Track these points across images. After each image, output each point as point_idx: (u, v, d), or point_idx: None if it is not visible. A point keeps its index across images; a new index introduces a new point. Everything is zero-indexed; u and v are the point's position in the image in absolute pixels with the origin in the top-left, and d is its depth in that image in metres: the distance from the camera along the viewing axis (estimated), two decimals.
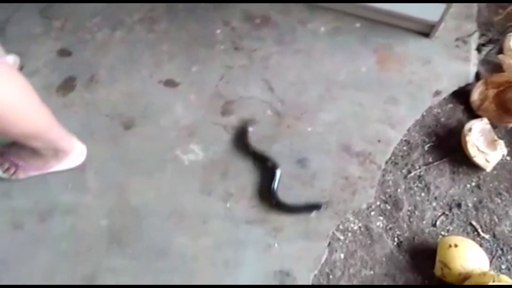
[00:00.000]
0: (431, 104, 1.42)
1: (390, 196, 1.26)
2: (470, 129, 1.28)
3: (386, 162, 1.31)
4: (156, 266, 1.15)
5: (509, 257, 1.17)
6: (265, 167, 1.28)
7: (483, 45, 1.55)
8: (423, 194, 1.26)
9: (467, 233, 1.20)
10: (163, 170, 1.30)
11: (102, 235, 1.19)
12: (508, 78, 1.37)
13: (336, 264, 1.16)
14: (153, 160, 1.31)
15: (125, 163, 1.31)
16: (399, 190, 1.27)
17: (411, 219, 1.22)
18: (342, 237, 1.19)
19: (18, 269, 1.14)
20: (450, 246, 1.09)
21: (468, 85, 1.45)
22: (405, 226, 1.21)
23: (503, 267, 1.15)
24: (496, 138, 1.30)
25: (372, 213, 1.23)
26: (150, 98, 1.44)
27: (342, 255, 1.17)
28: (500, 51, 1.50)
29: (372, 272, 1.15)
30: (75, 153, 1.26)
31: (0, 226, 1.21)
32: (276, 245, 1.18)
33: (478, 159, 1.26)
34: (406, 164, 1.31)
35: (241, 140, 1.33)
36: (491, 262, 1.14)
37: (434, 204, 1.24)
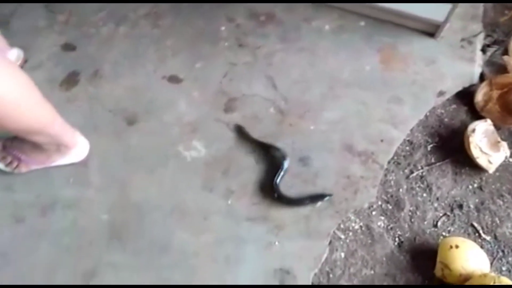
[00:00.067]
0: (434, 105, 1.41)
1: (391, 196, 1.26)
2: (473, 130, 1.28)
3: (389, 162, 1.31)
4: (157, 262, 1.15)
5: (510, 259, 1.16)
6: (272, 158, 1.28)
7: (488, 46, 1.54)
8: (425, 195, 1.26)
9: (468, 234, 1.20)
10: (166, 166, 1.30)
11: (103, 230, 1.19)
12: None
13: (336, 263, 1.16)
14: (156, 156, 1.31)
15: (127, 159, 1.31)
16: (401, 190, 1.26)
17: (412, 220, 1.22)
18: (343, 236, 1.19)
19: (19, 263, 1.15)
20: (451, 247, 1.09)
21: (472, 86, 1.44)
22: (406, 226, 1.21)
23: (503, 269, 1.15)
24: (499, 139, 1.29)
25: (374, 212, 1.23)
26: (153, 94, 1.44)
27: (342, 254, 1.17)
28: (505, 52, 1.50)
29: (372, 272, 1.15)
30: (78, 147, 1.26)
31: (2, 220, 1.21)
32: (277, 243, 1.18)
33: (481, 160, 1.25)
34: (409, 164, 1.31)
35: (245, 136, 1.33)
36: (492, 263, 1.14)
37: (435, 204, 1.24)
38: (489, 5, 1.66)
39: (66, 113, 1.18)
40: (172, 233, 1.19)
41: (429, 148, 1.34)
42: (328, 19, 1.62)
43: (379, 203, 1.24)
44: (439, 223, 1.21)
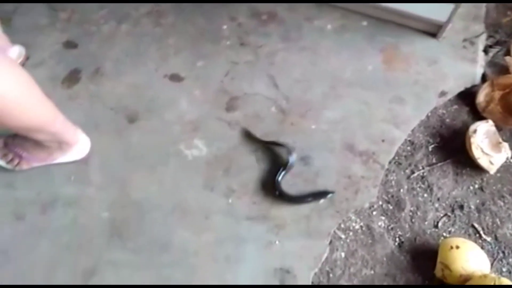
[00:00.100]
0: (436, 105, 1.41)
1: (392, 196, 1.25)
2: (475, 131, 1.27)
3: (390, 162, 1.31)
4: (158, 261, 1.15)
5: (510, 260, 1.16)
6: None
7: (490, 46, 1.54)
8: (425, 195, 1.26)
9: (469, 235, 1.20)
10: (167, 165, 1.30)
11: (103, 228, 1.19)
12: None
13: (336, 263, 1.16)
14: (157, 154, 1.31)
15: (128, 157, 1.31)
16: (401, 190, 1.26)
17: (413, 220, 1.22)
18: (343, 236, 1.19)
19: (20, 260, 1.15)
20: (451, 247, 1.09)
21: (474, 86, 1.44)
22: (407, 226, 1.21)
23: (504, 270, 1.15)
24: (500, 140, 1.29)
25: (374, 212, 1.23)
26: (155, 92, 1.44)
27: (343, 254, 1.17)
28: (507, 53, 1.49)
29: (372, 272, 1.15)
30: (79, 145, 1.26)
31: (2, 217, 1.21)
32: (277, 242, 1.18)
33: (482, 161, 1.25)
34: (410, 165, 1.31)
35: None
36: (492, 264, 1.14)
37: (436, 205, 1.24)
38: (492, 5, 1.65)
39: (67, 110, 1.18)
40: (172, 231, 1.19)
41: (430, 148, 1.34)
42: (330, 18, 1.61)
43: (380, 203, 1.24)
44: (439, 224, 1.21)
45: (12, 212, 1.22)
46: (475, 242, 1.15)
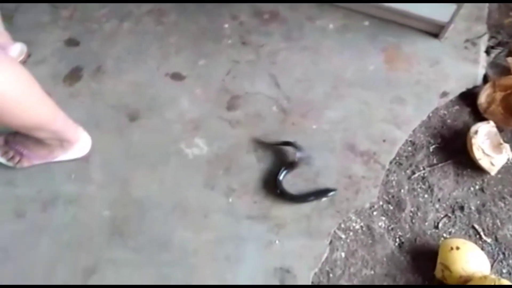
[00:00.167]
0: (437, 105, 1.41)
1: (393, 196, 1.25)
2: (476, 132, 1.27)
3: (391, 162, 1.30)
4: (158, 259, 1.15)
5: (510, 261, 1.16)
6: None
7: (492, 47, 1.54)
8: (426, 196, 1.26)
9: (469, 236, 1.20)
10: (167, 163, 1.30)
11: (104, 226, 1.20)
12: None
13: (336, 263, 1.16)
14: (158, 153, 1.32)
15: (129, 155, 1.31)
16: (402, 190, 1.26)
17: (413, 220, 1.22)
18: (343, 236, 1.19)
19: (20, 258, 1.15)
20: (451, 248, 1.09)
21: (475, 87, 1.44)
22: (407, 227, 1.21)
23: (504, 271, 1.15)
24: (502, 141, 1.29)
25: (375, 213, 1.23)
26: (156, 91, 1.44)
27: (343, 254, 1.17)
28: (509, 54, 1.49)
29: (372, 272, 1.15)
30: (81, 143, 1.26)
31: (3, 215, 1.21)
32: (277, 241, 1.18)
33: (483, 162, 1.25)
34: (411, 165, 1.31)
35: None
36: (492, 266, 1.14)
37: (437, 206, 1.24)
38: (494, 6, 1.65)
39: (68, 108, 1.18)
40: (173, 230, 1.19)
41: (431, 149, 1.34)
42: (332, 18, 1.61)
43: (380, 203, 1.24)
44: (440, 224, 1.21)
45: (12, 210, 1.22)
46: (476, 243, 1.15)
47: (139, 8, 1.64)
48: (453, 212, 1.23)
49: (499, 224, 1.21)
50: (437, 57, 1.50)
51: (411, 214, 1.23)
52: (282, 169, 1.25)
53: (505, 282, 1.01)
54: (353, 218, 1.22)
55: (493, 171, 1.26)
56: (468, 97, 1.42)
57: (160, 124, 1.37)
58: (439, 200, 1.25)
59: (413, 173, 1.29)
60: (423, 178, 1.28)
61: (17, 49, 1.46)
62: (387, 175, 1.28)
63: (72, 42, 1.55)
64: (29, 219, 1.21)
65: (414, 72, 1.48)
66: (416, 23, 1.55)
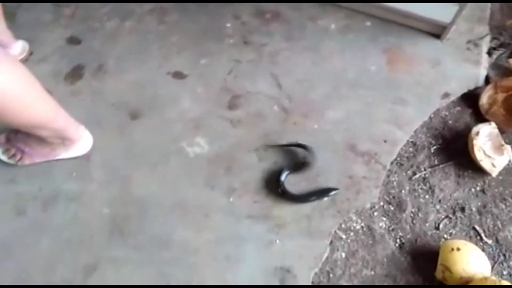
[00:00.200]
0: (439, 106, 1.41)
1: (394, 197, 1.25)
2: (477, 133, 1.27)
3: (392, 163, 1.30)
4: (158, 258, 1.15)
5: (511, 263, 1.16)
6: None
7: (494, 48, 1.54)
8: (427, 197, 1.25)
9: (470, 237, 1.19)
10: (168, 162, 1.30)
11: (104, 224, 1.19)
12: None
13: (337, 263, 1.15)
14: (158, 152, 1.31)
15: (130, 154, 1.31)
16: (403, 191, 1.26)
17: (414, 221, 1.22)
18: (344, 236, 1.19)
19: (20, 256, 1.15)
20: (452, 249, 1.09)
21: (477, 88, 1.44)
22: (408, 227, 1.21)
23: (504, 273, 1.15)
24: (503, 143, 1.29)
25: (375, 213, 1.23)
26: (157, 89, 1.44)
27: (343, 254, 1.17)
28: (511, 55, 1.49)
29: (373, 273, 1.15)
30: (82, 141, 1.26)
31: (4, 212, 1.21)
32: (277, 241, 1.18)
33: (484, 163, 1.25)
34: (412, 166, 1.30)
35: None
36: (493, 267, 1.14)
37: (438, 207, 1.24)
38: (496, 7, 1.65)
39: (69, 106, 1.18)
40: (173, 229, 1.19)
41: (432, 150, 1.33)
42: (334, 18, 1.61)
43: (381, 204, 1.24)
44: (441, 226, 1.21)
45: (13, 208, 1.22)
46: (476, 244, 1.15)
47: (141, 7, 1.64)
48: (454, 213, 1.23)
49: (500, 225, 1.21)
50: (438, 58, 1.50)
51: (412, 215, 1.23)
52: (285, 169, 1.25)
53: (506, 283, 1.01)
54: (354, 218, 1.22)
55: (494, 172, 1.26)
56: (470, 98, 1.42)
57: (161, 123, 1.37)
58: (440, 201, 1.25)
59: (414, 173, 1.29)
60: (424, 179, 1.28)
61: (19, 47, 1.47)
62: (388, 176, 1.28)
63: (73, 41, 1.55)
64: (30, 217, 1.21)
65: (415, 73, 1.47)
66: (418, 24, 1.55)
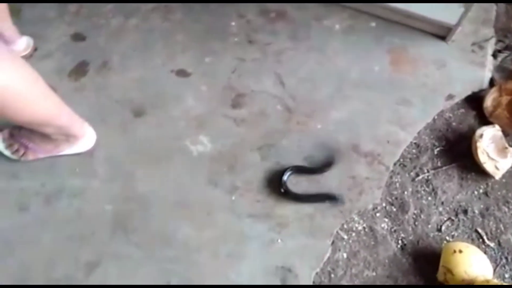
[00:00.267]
0: (443, 108, 1.40)
1: (396, 198, 1.25)
2: (481, 135, 1.27)
3: (395, 164, 1.30)
4: (160, 255, 1.15)
5: None
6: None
7: (499, 51, 1.53)
8: (430, 198, 1.25)
9: (472, 240, 1.19)
10: (171, 160, 1.30)
11: (107, 221, 1.20)
12: None
13: (338, 263, 1.15)
14: (162, 149, 1.32)
15: (133, 151, 1.31)
16: (406, 192, 1.26)
17: (416, 223, 1.22)
18: (346, 237, 1.19)
19: (22, 251, 1.15)
20: (454, 251, 1.09)
21: (481, 90, 1.43)
22: (410, 229, 1.21)
23: (506, 276, 1.14)
24: (507, 145, 1.28)
25: (378, 214, 1.23)
26: (161, 87, 1.44)
27: (345, 255, 1.17)
28: None
29: (374, 274, 1.14)
30: (86, 138, 1.26)
31: (6, 207, 1.22)
32: (279, 240, 1.18)
33: (488, 166, 1.25)
34: (415, 167, 1.30)
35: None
36: (495, 270, 1.13)
37: (440, 208, 1.24)
38: (502, 10, 1.65)
39: (73, 103, 1.18)
40: (175, 226, 1.19)
41: (435, 151, 1.33)
42: (339, 18, 1.61)
43: (384, 205, 1.24)
44: (443, 228, 1.21)
45: (16, 203, 1.22)
46: (478, 247, 1.15)
47: (145, 5, 1.64)
48: (456, 215, 1.23)
49: (502, 228, 1.21)
50: (443, 60, 1.50)
51: (414, 216, 1.22)
52: (288, 169, 1.25)
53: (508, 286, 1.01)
54: (356, 219, 1.22)
55: (497, 175, 1.25)
56: (474, 101, 1.42)
57: (165, 120, 1.37)
58: (442, 203, 1.25)
59: (417, 175, 1.29)
60: (427, 180, 1.28)
61: (24, 43, 1.47)
62: (391, 177, 1.28)
63: (78, 37, 1.55)
64: (33, 213, 1.21)
65: (420, 74, 1.47)
66: (423, 25, 1.55)
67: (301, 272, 1.13)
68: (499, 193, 1.26)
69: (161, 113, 1.38)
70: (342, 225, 1.20)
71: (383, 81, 1.46)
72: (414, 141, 1.34)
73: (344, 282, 1.13)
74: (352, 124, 1.37)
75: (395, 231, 1.20)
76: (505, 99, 1.37)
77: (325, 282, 1.13)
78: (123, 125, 1.36)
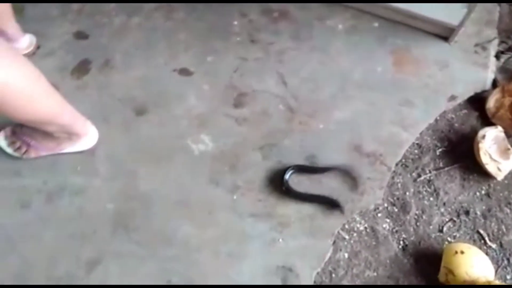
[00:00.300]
0: (445, 109, 1.40)
1: (398, 198, 1.25)
2: (483, 136, 1.26)
3: (397, 164, 1.30)
4: (161, 254, 1.15)
5: None
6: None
7: (502, 52, 1.53)
8: (431, 199, 1.25)
9: (474, 241, 1.19)
10: (173, 159, 1.30)
11: (108, 219, 1.20)
12: None
13: (339, 263, 1.15)
14: (163, 148, 1.32)
15: (135, 149, 1.31)
16: (407, 193, 1.26)
17: (418, 223, 1.21)
18: (347, 237, 1.19)
19: (24, 248, 1.15)
20: (456, 252, 1.08)
21: (484, 91, 1.43)
22: (412, 229, 1.20)
23: (508, 277, 1.14)
24: (509, 147, 1.28)
25: (379, 214, 1.22)
26: (163, 86, 1.44)
27: (346, 255, 1.16)
28: None
29: (375, 274, 1.14)
30: (88, 136, 1.26)
31: (8, 205, 1.22)
32: (280, 240, 1.17)
33: (490, 167, 1.24)
34: (417, 168, 1.30)
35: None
36: (496, 271, 1.13)
37: (442, 209, 1.23)
38: (505, 11, 1.64)
39: (75, 101, 1.19)
40: (176, 225, 1.19)
41: (438, 152, 1.33)
42: (342, 18, 1.61)
43: (385, 205, 1.24)
44: (444, 228, 1.20)
45: (17, 200, 1.22)
46: (480, 248, 1.14)
47: (148, 3, 1.64)
48: (458, 216, 1.22)
49: (504, 230, 1.20)
50: (446, 61, 1.50)
51: (416, 217, 1.22)
52: (290, 168, 1.25)
53: None
54: (357, 219, 1.21)
55: (499, 176, 1.25)
56: (477, 102, 1.42)
57: (167, 119, 1.37)
58: (444, 204, 1.24)
59: (419, 176, 1.29)
60: (429, 181, 1.28)
61: (27, 40, 1.47)
62: (393, 177, 1.28)
63: (81, 35, 1.55)
64: (34, 210, 1.21)
65: (422, 75, 1.47)
66: (426, 26, 1.54)
67: (302, 272, 1.13)
68: (501, 194, 1.26)
69: (163, 112, 1.38)
70: (344, 225, 1.20)
71: (385, 81, 1.46)
72: (416, 142, 1.34)
73: (345, 282, 1.13)
74: (355, 124, 1.37)
75: (396, 231, 1.20)
76: (507, 101, 1.36)
77: (326, 282, 1.13)
78: (125, 123, 1.36)
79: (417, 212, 1.23)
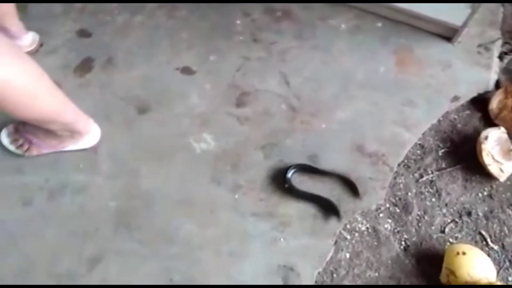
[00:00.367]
0: (448, 109, 1.40)
1: (400, 199, 1.25)
2: (486, 137, 1.26)
3: (399, 165, 1.30)
4: (162, 252, 1.15)
5: None
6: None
7: (506, 53, 1.53)
8: (433, 200, 1.25)
9: (476, 242, 1.19)
10: (175, 157, 1.30)
11: (110, 217, 1.20)
12: None
13: (341, 263, 1.15)
14: (165, 146, 1.32)
15: (137, 147, 1.31)
16: (409, 193, 1.25)
17: (419, 224, 1.21)
18: (349, 237, 1.19)
19: (25, 246, 1.15)
20: (458, 253, 1.08)
21: (487, 92, 1.43)
22: (413, 230, 1.20)
23: (510, 279, 1.14)
24: None
25: (381, 215, 1.22)
26: (166, 84, 1.44)
27: (347, 255, 1.16)
28: None
29: (377, 274, 1.14)
30: (91, 134, 1.26)
31: (10, 202, 1.22)
32: (282, 239, 1.17)
33: (492, 168, 1.24)
34: (419, 168, 1.30)
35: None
36: (498, 273, 1.13)
37: (444, 210, 1.23)
38: (508, 12, 1.64)
39: (78, 99, 1.19)
40: (178, 224, 1.19)
41: (440, 153, 1.33)
42: (345, 18, 1.61)
43: (387, 205, 1.24)
44: (446, 229, 1.20)
45: (19, 198, 1.22)
46: (482, 249, 1.14)
47: (151, 2, 1.64)
48: (460, 217, 1.22)
49: (506, 231, 1.20)
50: (449, 61, 1.50)
51: (417, 217, 1.22)
52: (292, 167, 1.25)
53: None
54: (359, 219, 1.21)
55: (502, 177, 1.25)
56: (479, 102, 1.41)
57: (169, 118, 1.37)
58: (446, 204, 1.24)
59: (421, 176, 1.28)
60: (431, 182, 1.28)
61: (30, 38, 1.47)
62: (395, 178, 1.28)
63: (84, 33, 1.56)
64: (36, 208, 1.21)
65: (425, 75, 1.47)
66: (429, 26, 1.54)
67: (303, 272, 1.13)
68: (503, 195, 1.26)
69: (165, 110, 1.39)
70: (345, 225, 1.20)
71: (388, 81, 1.45)
72: (419, 142, 1.34)
73: (346, 282, 1.12)
74: (357, 124, 1.36)
75: (398, 232, 1.20)
76: (510, 101, 1.36)
77: (327, 282, 1.13)
78: (127, 122, 1.36)
79: (419, 212, 1.23)
